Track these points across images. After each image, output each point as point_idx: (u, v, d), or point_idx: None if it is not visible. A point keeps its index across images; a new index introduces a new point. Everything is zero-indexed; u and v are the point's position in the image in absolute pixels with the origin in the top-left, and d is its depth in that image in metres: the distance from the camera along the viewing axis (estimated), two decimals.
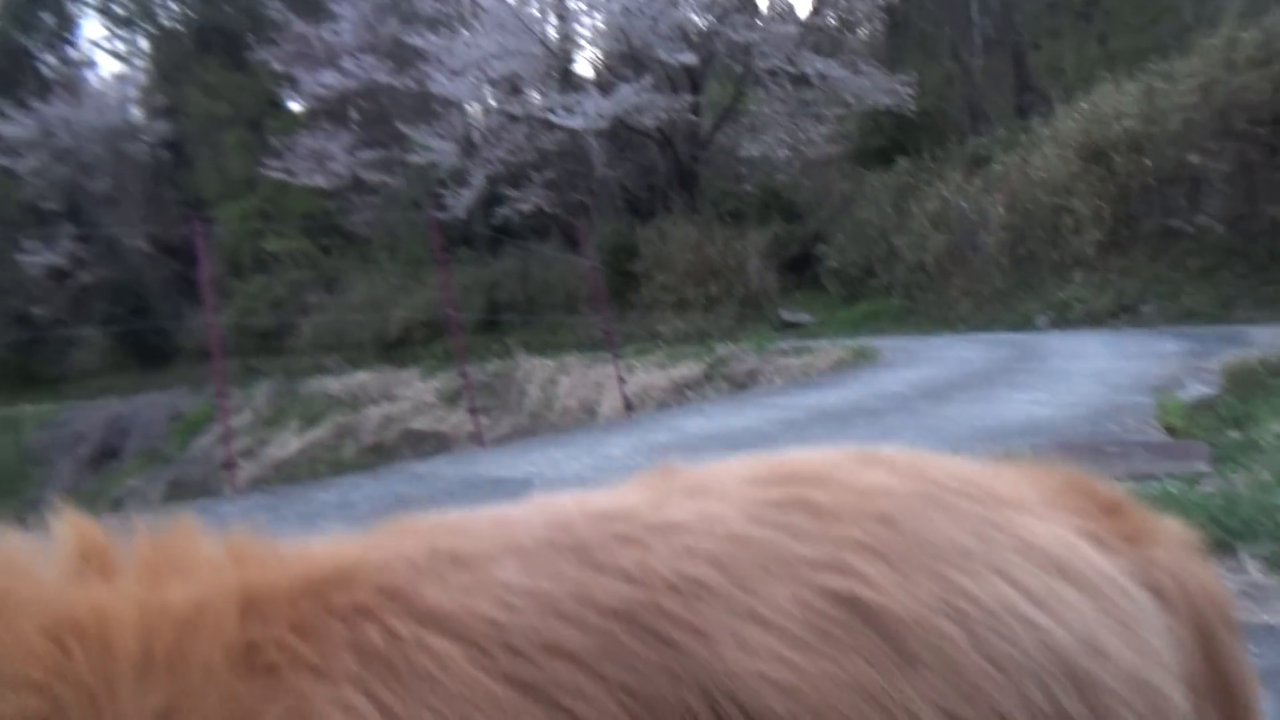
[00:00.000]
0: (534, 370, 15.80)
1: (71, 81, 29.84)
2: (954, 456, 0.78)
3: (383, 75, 20.62)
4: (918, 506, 0.67)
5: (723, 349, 12.27)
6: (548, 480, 5.25)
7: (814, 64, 17.80)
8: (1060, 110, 14.71)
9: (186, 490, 17.27)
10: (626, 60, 18.29)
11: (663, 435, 6.30)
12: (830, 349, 10.87)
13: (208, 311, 7.97)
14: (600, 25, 19.21)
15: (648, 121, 17.94)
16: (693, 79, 18.83)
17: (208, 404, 19.96)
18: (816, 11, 19.61)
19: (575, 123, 17.43)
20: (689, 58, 17.34)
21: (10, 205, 27.26)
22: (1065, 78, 17.49)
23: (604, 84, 18.42)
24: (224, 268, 21.61)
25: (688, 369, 12.18)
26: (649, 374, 12.37)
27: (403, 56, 20.38)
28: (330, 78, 21.09)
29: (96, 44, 34.82)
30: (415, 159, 19.85)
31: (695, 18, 17.94)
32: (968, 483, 0.71)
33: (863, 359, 10.11)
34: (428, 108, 20.30)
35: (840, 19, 20.35)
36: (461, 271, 17.88)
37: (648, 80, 17.35)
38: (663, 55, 17.27)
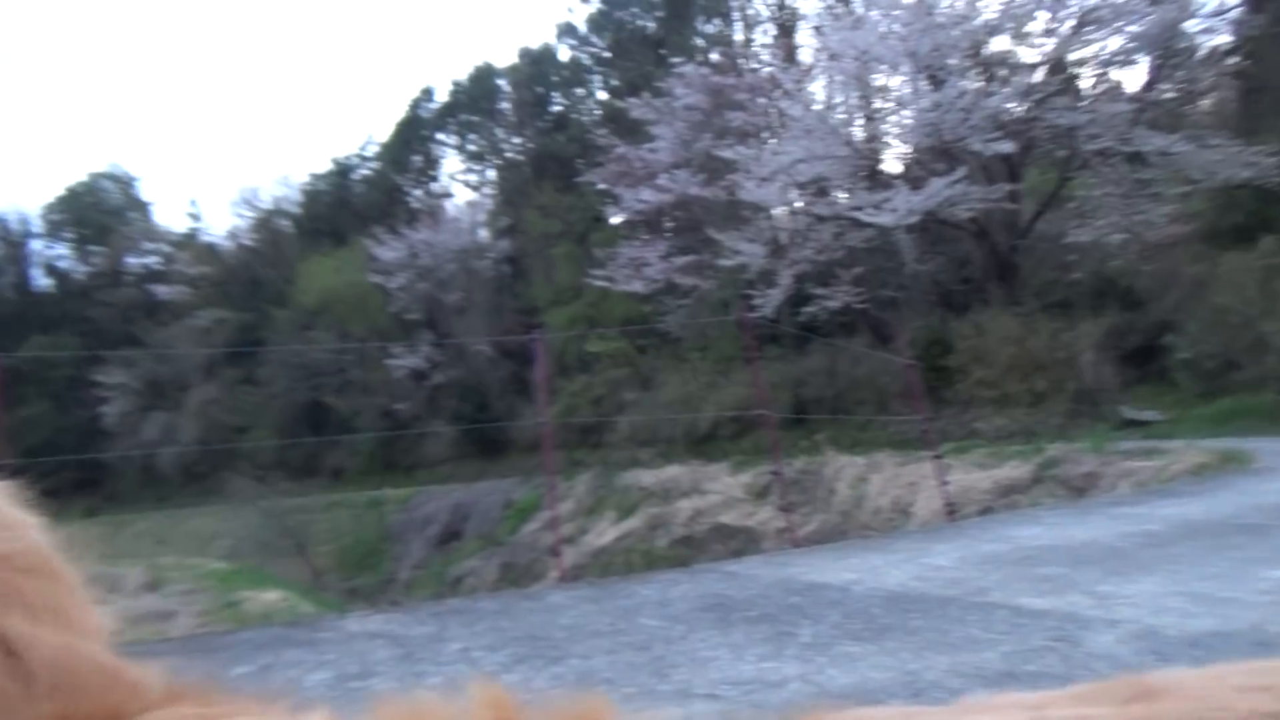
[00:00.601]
0: (843, 468, 15.46)
1: (433, 210, 34.63)
2: None
3: (695, 187, 21.82)
4: None
5: (1053, 449, 11.26)
6: (869, 588, 5.03)
7: (1151, 141, 16.35)
8: None
9: (515, 572, 18.65)
10: (938, 154, 17.92)
11: (993, 544, 5.84)
12: (1187, 451, 9.57)
13: (540, 408, 8.68)
14: (909, 122, 19.07)
15: (961, 214, 17.34)
16: (1010, 167, 18.01)
17: (536, 493, 21.58)
18: (1150, 86, 18.07)
19: (884, 219, 17.25)
20: (1006, 146, 16.63)
21: (383, 317, 31.82)
22: None
23: (914, 179, 18.14)
24: (552, 368, 23.57)
25: (1013, 470, 11.31)
26: (969, 475, 11.63)
27: (713, 168, 21.46)
28: (648, 193, 22.69)
29: (454, 177, 40.19)
30: (725, 262, 20.61)
31: (1012, 106, 17.26)
32: None
33: (1231, 463, 8.79)
34: (737, 214, 21.11)
35: (1180, 91, 18.59)
36: (769, 369, 18.06)
37: (960, 172, 16.84)
38: (977, 146, 16.73)
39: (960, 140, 16.97)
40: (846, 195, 19.28)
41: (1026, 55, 18.46)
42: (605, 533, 17.95)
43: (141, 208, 50.01)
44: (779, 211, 21.61)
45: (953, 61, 17.75)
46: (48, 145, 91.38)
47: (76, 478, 32.52)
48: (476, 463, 26.43)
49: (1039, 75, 17.92)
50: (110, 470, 35.02)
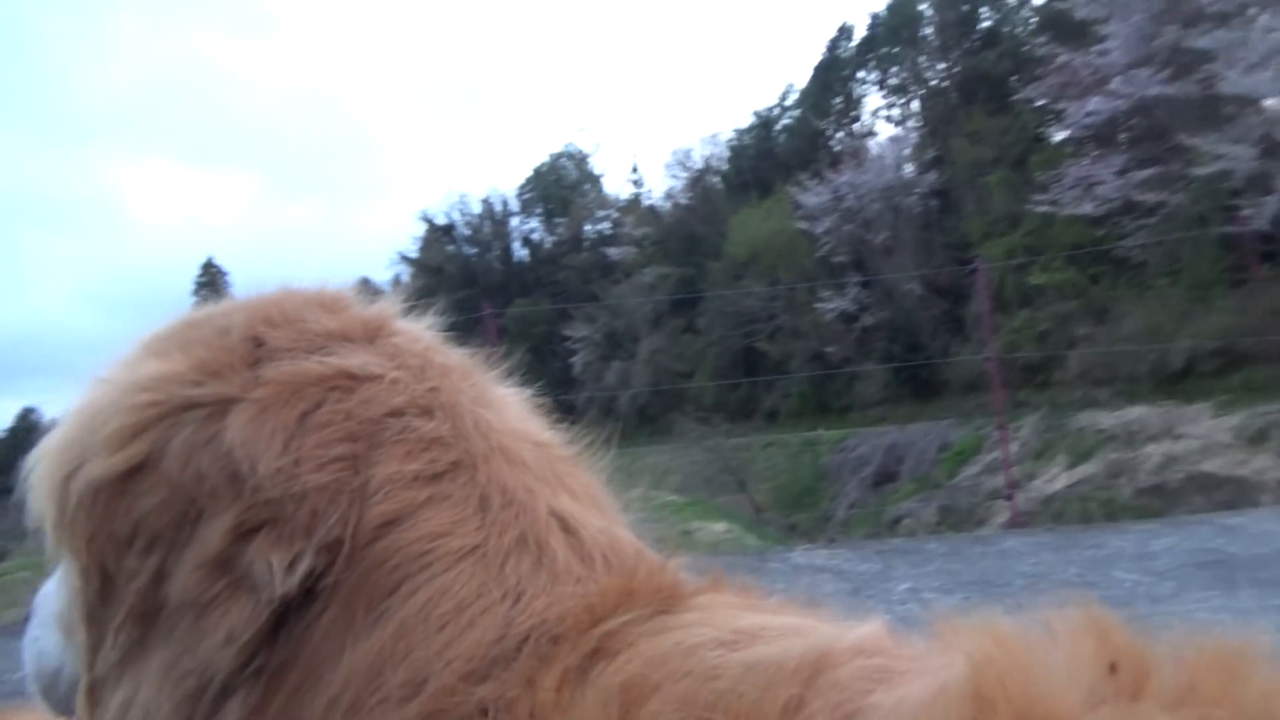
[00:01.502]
0: None
1: (856, 151, 34.11)
2: None
3: (1158, 87, 18.89)
4: None
5: None
6: None
7: None
8: None
9: (955, 515, 18.03)
10: None
11: None
12: None
13: (986, 346, 8.16)
14: None
15: None
16: None
17: (974, 435, 20.58)
18: None
19: None
20: None
21: (811, 262, 32.24)
22: None
23: None
24: (990, 304, 22.13)
25: None
26: None
27: (1182, 62, 18.39)
28: (1097, 102, 20.17)
29: (875, 114, 39.15)
30: (1201, 171, 17.63)
31: None
32: None
33: None
34: (1216, 112, 17.90)
35: None
36: (1268, 291, 15.26)
37: None
38: None
39: None
40: None
41: None
42: (1056, 478, 16.59)
43: (594, 180, 55.93)
44: (1274, 103, 17.93)
45: None
46: (518, 131, 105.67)
47: (554, 419, 37.91)
48: (909, 404, 25.86)
49: None
50: (580, 412, 40.10)
